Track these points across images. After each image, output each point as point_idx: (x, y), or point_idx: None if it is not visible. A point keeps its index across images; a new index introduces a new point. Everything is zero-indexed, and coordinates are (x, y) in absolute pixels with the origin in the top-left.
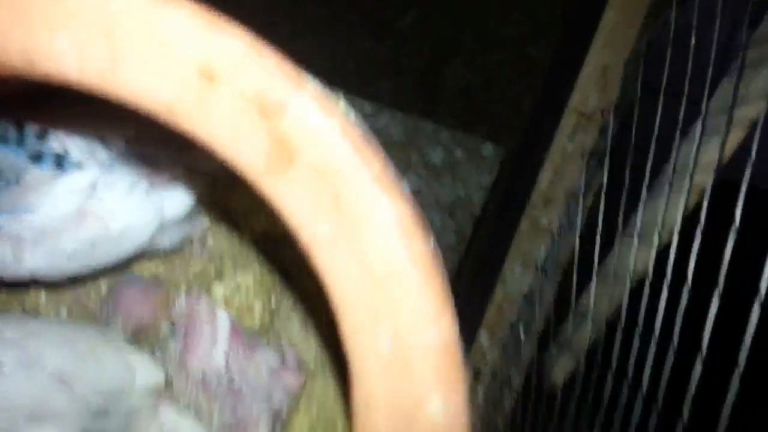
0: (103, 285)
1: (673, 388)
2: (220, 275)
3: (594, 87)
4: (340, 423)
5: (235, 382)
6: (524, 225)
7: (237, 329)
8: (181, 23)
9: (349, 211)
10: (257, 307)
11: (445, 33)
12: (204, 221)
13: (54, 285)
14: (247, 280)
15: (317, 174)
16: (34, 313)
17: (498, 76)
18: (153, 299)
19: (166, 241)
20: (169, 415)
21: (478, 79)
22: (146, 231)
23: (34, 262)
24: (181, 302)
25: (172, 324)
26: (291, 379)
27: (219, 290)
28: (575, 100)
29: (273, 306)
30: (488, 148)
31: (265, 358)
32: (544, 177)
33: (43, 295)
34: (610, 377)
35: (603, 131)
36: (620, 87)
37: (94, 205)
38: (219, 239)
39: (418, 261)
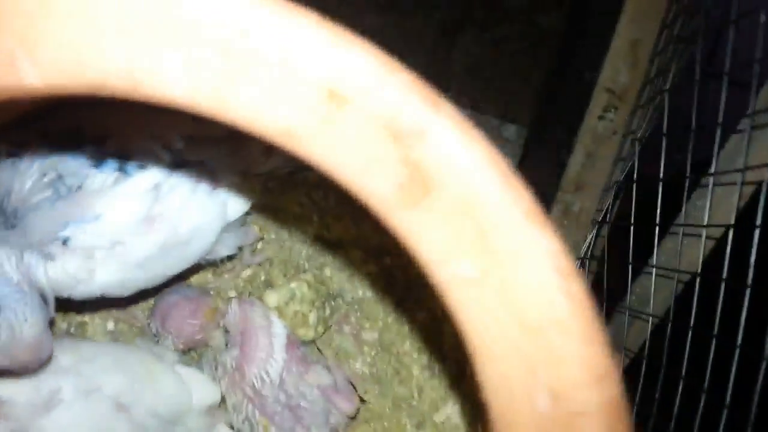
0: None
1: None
2: (271, 283)
3: (623, 63)
4: None
5: (292, 398)
6: (555, 211)
7: (293, 340)
8: (305, 39)
9: (497, 249)
10: (312, 317)
11: (452, 8)
12: (254, 227)
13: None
14: (302, 288)
15: (459, 207)
16: (81, 328)
17: (508, 50)
18: (202, 309)
19: (224, 247)
20: None
21: (487, 55)
22: (212, 232)
23: (106, 275)
24: (234, 309)
25: (226, 331)
26: (344, 404)
27: (272, 299)
28: (604, 77)
29: (327, 314)
30: (510, 130)
31: (318, 379)
32: (574, 161)
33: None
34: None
35: (641, 113)
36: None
37: (161, 208)
38: (270, 245)
39: (578, 306)
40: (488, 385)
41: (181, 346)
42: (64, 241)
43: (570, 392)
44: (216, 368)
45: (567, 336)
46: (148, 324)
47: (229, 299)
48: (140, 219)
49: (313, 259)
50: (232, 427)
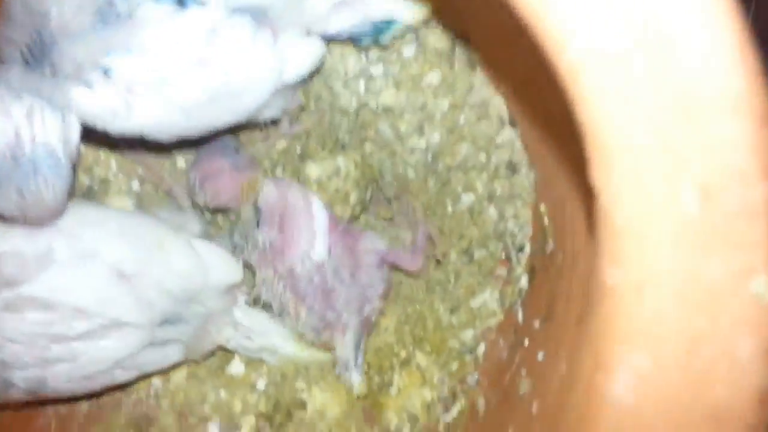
0: (180, 158)
1: None
2: (308, 156)
3: None
4: (429, 319)
5: (326, 282)
6: None
7: (333, 218)
8: None
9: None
10: (353, 196)
11: None
12: (300, 95)
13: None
14: (348, 165)
15: None
16: (104, 186)
17: None
18: (244, 180)
19: (270, 109)
20: (244, 314)
21: None
22: (267, 88)
23: (146, 113)
24: (270, 189)
25: (257, 208)
26: (409, 263)
27: (314, 171)
28: None
29: (367, 197)
30: None
31: (372, 244)
32: None
33: (113, 164)
34: None
35: None
36: None
37: (215, 52)
38: (309, 116)
39: (751, 81)
40: (613, 189)
41: (211, 206)
42: (106, 71)
43: (730, 187)
44: (246, 241)
45: (734, 116)
46: (189, 178)
47: (264, 178)
48: (191, 59)
49: (354, 133)
50: (255, 302)
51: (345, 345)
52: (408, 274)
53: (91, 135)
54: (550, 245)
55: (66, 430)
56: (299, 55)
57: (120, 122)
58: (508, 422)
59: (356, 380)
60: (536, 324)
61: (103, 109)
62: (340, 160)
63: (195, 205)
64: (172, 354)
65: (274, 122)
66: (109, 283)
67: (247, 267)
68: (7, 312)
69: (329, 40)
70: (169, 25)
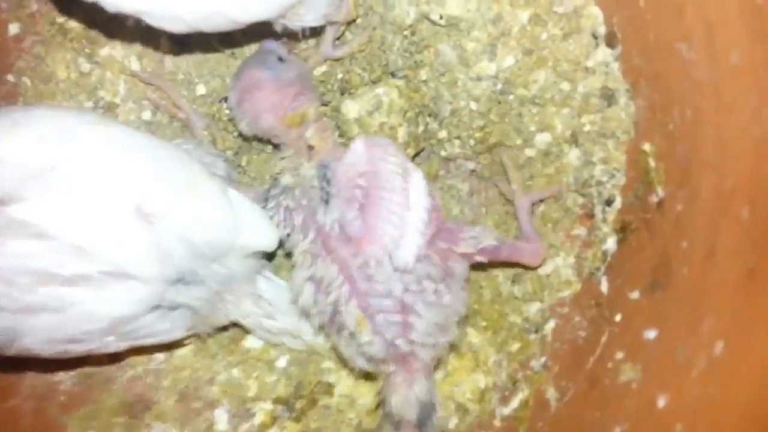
0: (201, 85)
1: None
2: (350, 86)
3: None
4: (486, 289)
5: (409, 299)
6: None
7: (437, 210)
8: None
9: None
10: (401, 132)
11: None
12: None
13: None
14: (390, 95)
15: None
16: (110, 111)
17: None
18: (280, 93)
19: (310, 11)
20: (269, 286)
21: None
22: None
23: None
24: (358, 147)
25: (326, 169)
26: (529, 257)
27: (352, 109)
28: None
29: (420, 131)
30: None
31: (474, 244)
32: None
33: (122, 87)
34: None
35: None
36: None
37: None
38: (355, 35)
39: None
40: None
41: (250, 133)
42: None
43: None
44: (295, 208)
45: None
46: (223, 100)
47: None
48: None
49: (408, 56)
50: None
51: (411, 399)
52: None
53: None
54: (658, 194)
55: (43, 415)
56: None
57: None
58: (609, 420)
59: None
60: (634, 295)
61: None
62: (381, 90)
63: (221, 139)
64: (178, 325)
65: (316, 35)
66: (124, 219)
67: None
68: None
69: None
70: None
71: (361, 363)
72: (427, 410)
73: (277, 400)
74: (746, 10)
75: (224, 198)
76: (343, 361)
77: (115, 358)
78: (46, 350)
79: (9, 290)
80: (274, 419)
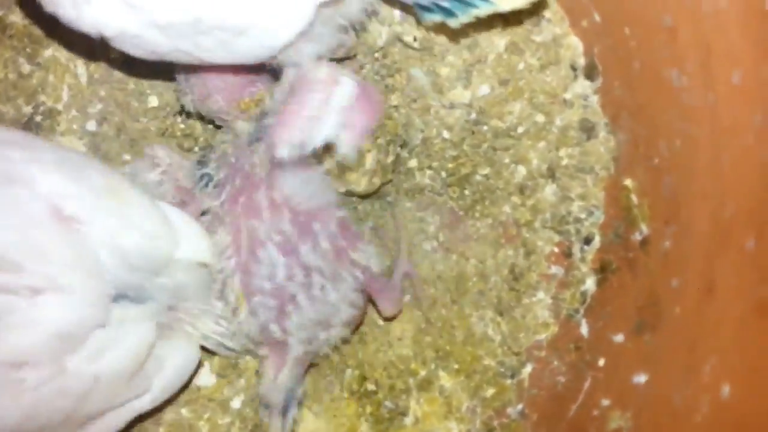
0: (153, 96)
1: None
2: None
3: None
4: (458, 329)
5: (290, 287)
6: None
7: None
8: None
9: None
10: (369, 159)
11: None
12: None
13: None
14: None
15: None
16: (51, 119)
17: None
18: (238, 78)
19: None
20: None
21: None
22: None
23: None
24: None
25: (260, 119)
26: (387, 305)
27: None
28: None
29: (389, 162)
30: None
31: (363, 260)
32: None
33: (66, 92)
34: None
35: None
36: None
37: None
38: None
39: None
40: None
41: (199, 110)
42: None
43: None
44: (218, 173)
45: None
46: (178, 113)
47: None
48: None
49: (377, 79)
50: None
51: (277, 385)
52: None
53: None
54: (642, 231)
55: None
56: None
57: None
58: None
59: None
60: (618, 338)
61: None
62: None
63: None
64: (145, 342)
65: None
66: (42, 221)
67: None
68: None
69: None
70: None
71: (235, 342)
72: (291, 398)
73: None
74: (751, 21)
75: (154, 206)
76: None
77: None
78: None
79: None
80: None
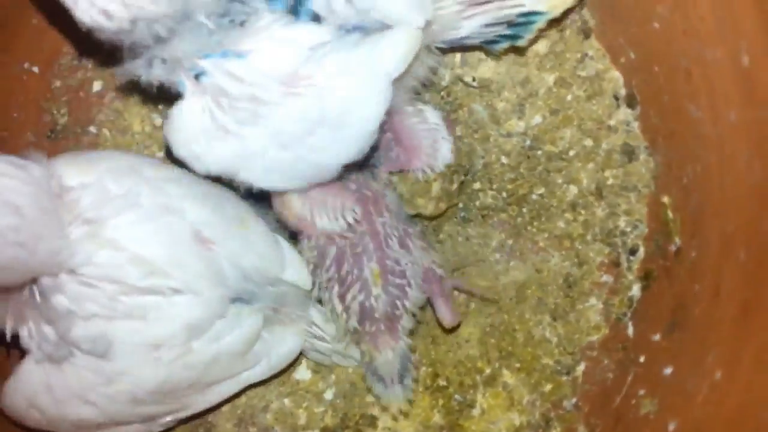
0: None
1: None
2: None
3: None
4: (519, 332)
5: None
6: None
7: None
8: None
9: None
10: (435, 186)
11: None
12: None
13: None
14: None
15: None
16: None
17: None
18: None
19: None
20: (320, 315)
21: None
22: (374, 111)
23: (234, 143)
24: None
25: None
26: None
27: None
28: None
29: (454, 189)
30: None
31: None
32: None
33: None
34: None
35: None
36: None
37: (312, 70)
38: None
39: None
40: None
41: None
42: (197, 75)
43: None
44: None
45: None
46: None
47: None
48: (285, 74)
49: (443, 115)
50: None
51: (395, 356)
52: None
53: None
54: (676, 243)
55: None
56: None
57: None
58: None
59: (398, 397)
60: (656, 337)
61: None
62: None
63: None
64: (252, 331)
65: None
66: (186, 242)
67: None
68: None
69: (460, 46)
70: (273, 31)
71: (353, 323)
72: (405, 365)
73: (324, 429)
74: (738, 75)
75: (271, 236)
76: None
77: None
78: (135, 360)
79: (99, 297)
80: None
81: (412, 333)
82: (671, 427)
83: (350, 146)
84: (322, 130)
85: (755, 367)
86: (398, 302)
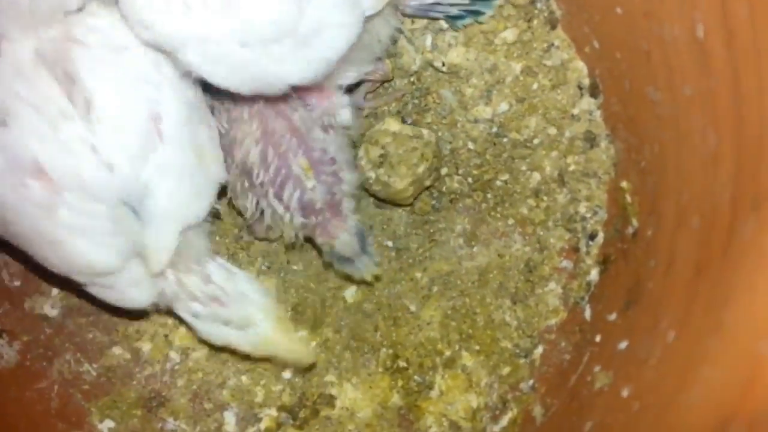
0: None
1: None
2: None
3: None
4: (480, 316)
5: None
6: None
7: None
8: None
9: None
10: (422, 168)
11: None
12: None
13: None
14: (430, 137)
15: None
16: None
17: None
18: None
19: (352, 70)
20: (219, 269)
21: None
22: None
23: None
24: None
25: None
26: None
27: (394, 124)
28: None
29: (427, 175)
30: None
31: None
32: None
33: None
34: None
35: None
36: None
37: None
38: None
39: None
40: None
41: None
42: None
43: None
44: None
45: None
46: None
47: None
48: None
49: (416, 102)
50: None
51: (350, 231)
52: None
53: None
54: (633, 225)
55: (67, 397)
56: None
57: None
58: (583, 420)
59: (369, 266)
60: (612, 317)
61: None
62: (425, 132)
63: None
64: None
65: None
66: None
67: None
68: None
69: (425, 16)
70: None
71: (299, 219)
72: (362, 238)
73: (281, 408)
74: (693, 48)
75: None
76: (345, 374)
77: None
78: None
79: None
80: (278, 425)
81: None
82: (625, 393)
83: (308, 67)
84: (287, 40)
85: (703, 320)
86: (335, 188)
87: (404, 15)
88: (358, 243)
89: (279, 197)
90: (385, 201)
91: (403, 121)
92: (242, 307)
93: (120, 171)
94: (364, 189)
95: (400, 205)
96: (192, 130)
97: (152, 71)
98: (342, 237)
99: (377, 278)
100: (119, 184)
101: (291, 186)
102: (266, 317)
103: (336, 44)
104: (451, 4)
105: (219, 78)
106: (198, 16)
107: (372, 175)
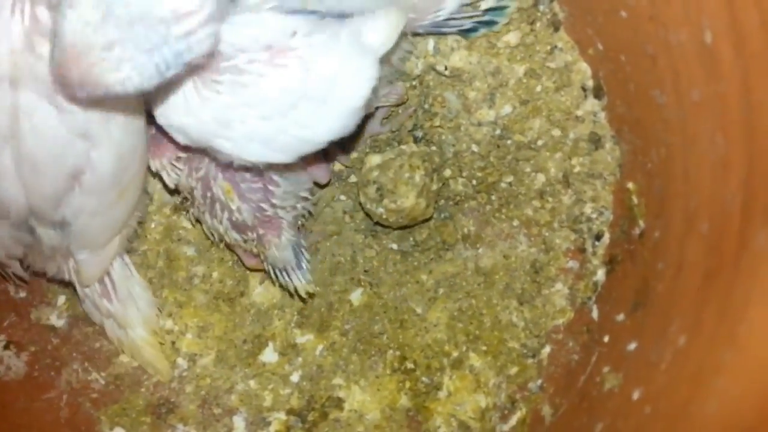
0: None
1: None
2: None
3: None
4: (486, 317)
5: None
6: None
7: None
8: None
9: None
10: (417, 176)
11: None
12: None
13: None
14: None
15: None
16: None
17: None
18: None
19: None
20: (120, 268)
21: None
22: (359, 88)
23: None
24: None
25: None
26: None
27: (375, 158)
28: None
29: (434, 188)
30: None
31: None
32: None
33: None
34: None
35: None
36: None
37: (297, 43)
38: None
39: None
40: None
41: None
42: None
43: None
44: None
45: None
46: None
47: None
48: (271, 44)
49: (423, 109)
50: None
51: (281, 246)
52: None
53: None
54: (640, 226)
55: (76, 406)
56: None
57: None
58: (593, 421)
59: (301, 282)
60: (620, 317)
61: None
62: (404, 147)
63: None
64: None
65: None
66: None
67: None
68: None
69: (437, 33)
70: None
71: (234, 236)
72: (298, 250)
73: (290, 412)
74: (701, 53)
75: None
76: (353, 377)
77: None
78: None
79: None
80: (288, 429)
81: (304, 218)
82: (635, 395)
83: (334, 122)
84: (305, 104)
85: (715, 329)
86: (263, 204)
87: (416, 35)
88: (293, 257)
89: (213, 216)
90: (413, 226)
91: (415, 132)
92: (126, 309)
93: (34, 204)
94: (387, 226)
95: (426, 221)
96: (119, 174)
97: (96, 128)
98: (272, 251)
99: (311, 295)
100: (27, 215)
101: (218, 208)
102: (142, 327)
103: (356, 93)
104: (464, 18)
105: (258, 155)
106: (214, 103)
107: (382, 211)
